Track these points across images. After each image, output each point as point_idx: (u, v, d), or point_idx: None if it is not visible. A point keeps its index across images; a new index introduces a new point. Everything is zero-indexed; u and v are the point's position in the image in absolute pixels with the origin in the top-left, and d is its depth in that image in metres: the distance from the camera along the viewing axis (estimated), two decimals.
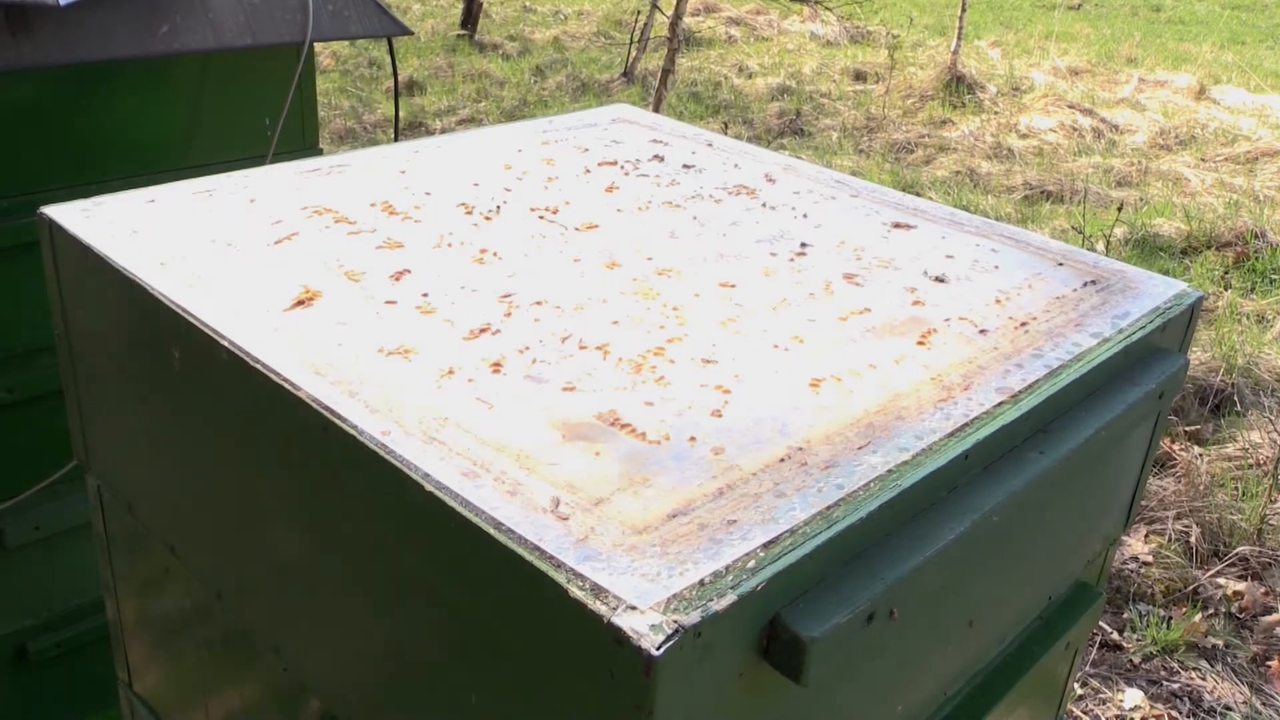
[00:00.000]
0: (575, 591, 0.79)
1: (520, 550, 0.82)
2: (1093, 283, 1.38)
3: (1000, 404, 1.07)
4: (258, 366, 1.05)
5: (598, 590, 0.79)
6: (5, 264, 1.86)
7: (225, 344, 1.09)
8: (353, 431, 0.96)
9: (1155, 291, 1.34)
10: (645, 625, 0.76)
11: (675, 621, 0.76)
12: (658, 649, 0.74)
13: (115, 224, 1.33)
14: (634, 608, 0.77)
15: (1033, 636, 1.29)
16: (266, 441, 1.09)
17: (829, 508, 0.89)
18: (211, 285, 1.21)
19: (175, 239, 1.34)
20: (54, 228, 1.33)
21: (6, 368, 1.96)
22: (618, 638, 0.76)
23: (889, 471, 0.95)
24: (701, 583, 0.81)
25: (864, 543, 0.90)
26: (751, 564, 0.83)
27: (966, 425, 1.03)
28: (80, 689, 2.20)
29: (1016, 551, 1.15)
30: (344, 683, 1.08)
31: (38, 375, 1.96)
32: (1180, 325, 1.32)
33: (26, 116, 1.91)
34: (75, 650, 2.15)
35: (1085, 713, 3.09)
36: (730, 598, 0.79)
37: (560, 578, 0.80)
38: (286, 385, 1.02)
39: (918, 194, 1.66)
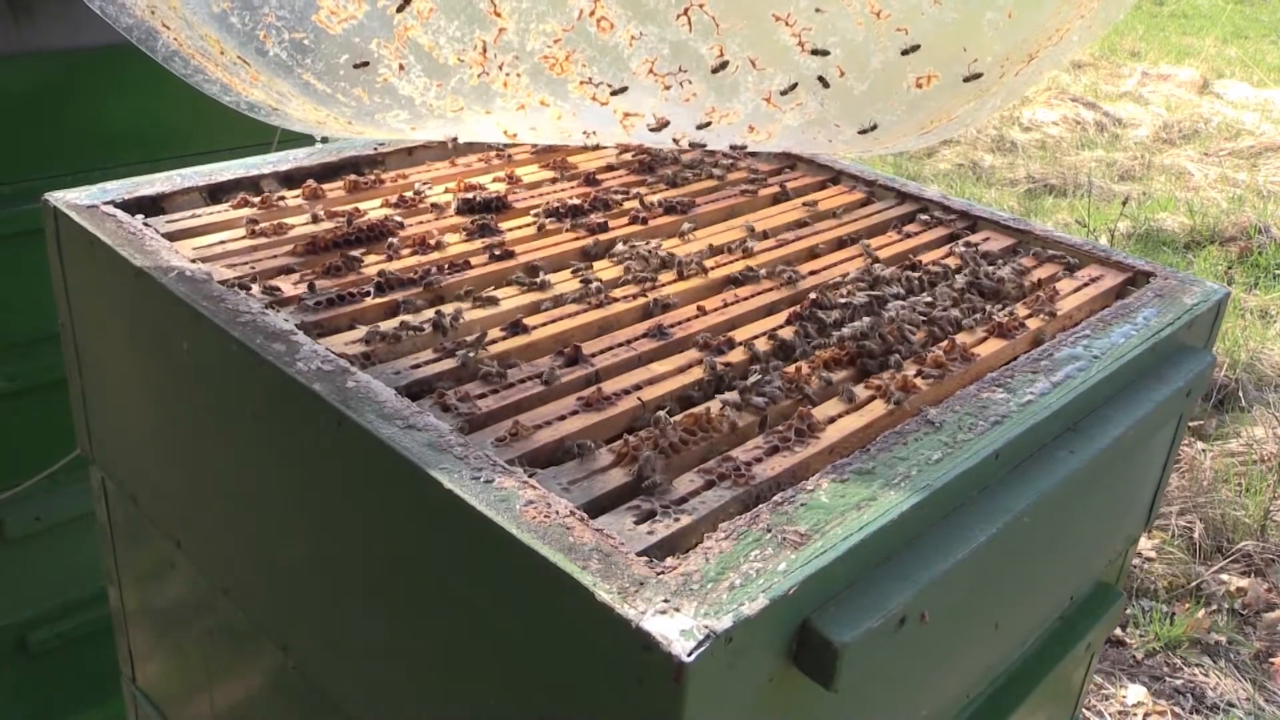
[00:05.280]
0: (602, 595, 0.76)
1: (545, 550, 0.80)
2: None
3: (1029, 402, 1.05)
4: (270, 359, 1.03)
5: (625, 593, 0.77)
6: (7, 251, 1.83)
7: (236, 336, 1.06)
8: (368, 427, 0.93)
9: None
10: (675, 630, 0.74)
11: (706, 627, 0.74)
12: (689, 655, 0.72)
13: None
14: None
15: (1054, 637, 1.27)
16: (278, 437, 1.07)
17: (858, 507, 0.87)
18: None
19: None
20: (58, 215, 1.30)
21: (7, 356, 1.93)
22: (647, 643, 0.73)
23: (919, 471, 0.93)
24: (732, 586, 0.78)
25: (894, 545, 0.88)
26: (782, 566, 0.81)
27: (997, 423, 1.01)
28: (80, 681, 2.18)
29: (1043, 552, 1.13)
30: (358, 683, 1.06)
31: (39, 364, 1.92)
32: (1206, 322, 1.30)
33: (29, 102, 1.87)
34: (75, 642, 2.13)
35: (1088, 708, 3.08)
36: (761, 601, 0.77)
37: (587, 580, 0.77)
38: (300, 379, 1.00)
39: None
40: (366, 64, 1.22)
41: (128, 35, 1.19)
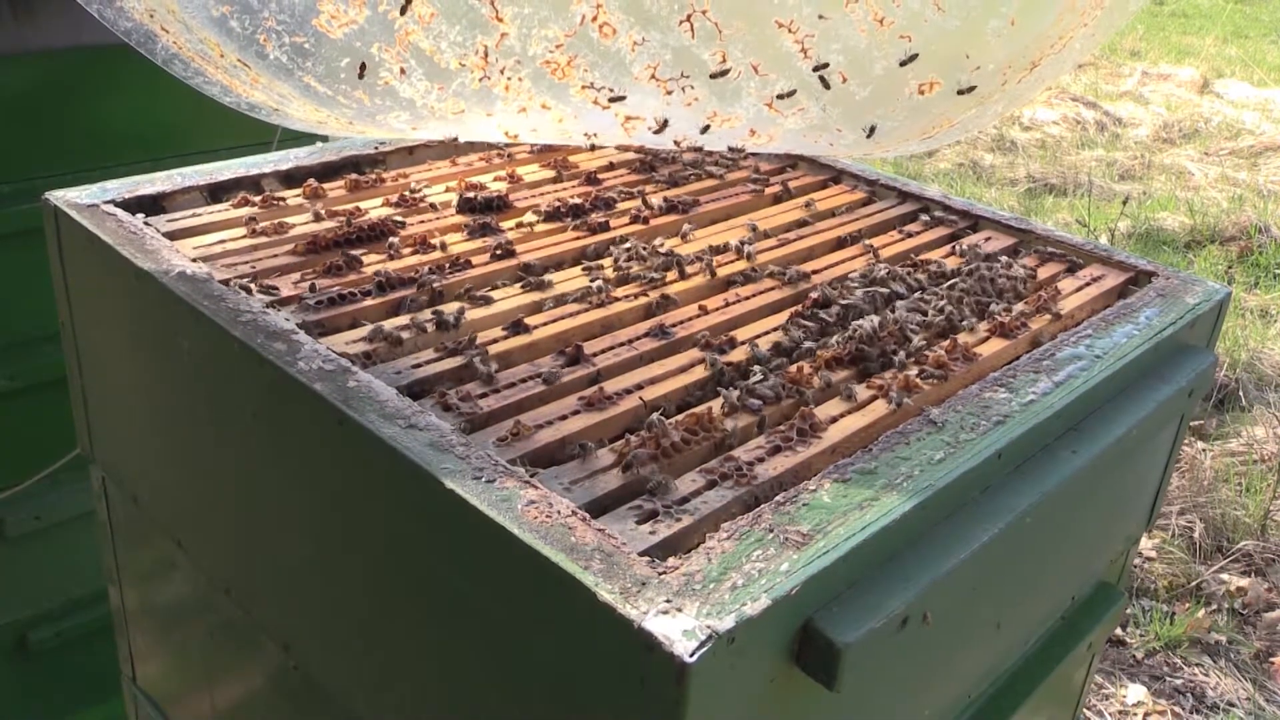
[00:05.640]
0: (604, 595, 0.76)
1: (546, 550, 0.80)
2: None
3: (1031, 401, 1.05)
4: (271, 358, 1.02)
5: (627, 593, 0.77)
6: (8, 250, 1.83)
7: (237, 335, 1.06)
8: (369, 427, 0.93)
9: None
10: (678, 630, 0.74)
11: (708, 627, 0.74)
12: (691, 655, 0.72)
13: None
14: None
15: (1055, 638, 1.27)
16: (279, 436, 1.07)
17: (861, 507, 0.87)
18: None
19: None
20: (59, 214, 1.30)
21: (8, 355, 1.93)
22: (649, 643, 0.73)
23: (922, 471, 0.93)
24: (734, 586, 0.78)
25: (897, 545, 0.88)
26: (785, 566, 0.80)
27: (999, 423, 1.01)
28: (80, 680, 2.18)
29: (1045, 552, 1.13)
30: (359, 682, 1.06)
31: (39, 363, 1.92)
32: (1208, 322, 1.30)
33: (28, 101, 1.87)
34: (75, 641, 2.13)
35: (1088, 708, 3.08)
36: (764, 602, 0.77)
37: (589, 580, 0.77)
38: (301, 379, 0.99)
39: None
40: (365, 66, 1.23)
41: (126, 39, 1.19)
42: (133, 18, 1.18)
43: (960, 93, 1.30)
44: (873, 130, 1.35)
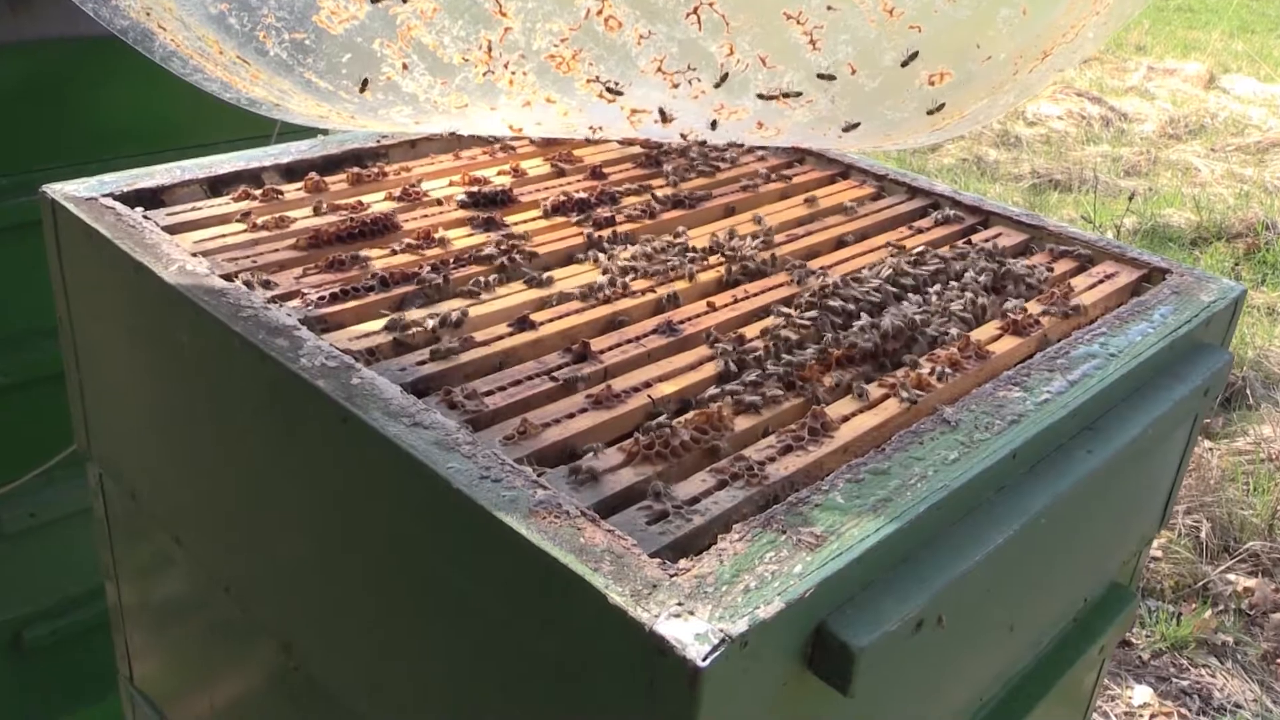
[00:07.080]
0: (615, 597, 0.74)
1: (556, 552, 0.78)
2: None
3: (1046, 400, 1.03)
4: (273, 354, 1.01)
5: (639, 596, 0.75)
6: (5, 244, 1.81)
7: (238, 331, 1.04)
8: (373, 425, 0.91)
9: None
10: (690, 634, 0.72)
11: (721, 630, 0.72)
12: (704, 660, 0.70)
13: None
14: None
15: (1067, 640, 1.25)
16: (281, 434, 1.05)
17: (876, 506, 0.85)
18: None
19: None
20: (57, 208, 1.28)
21: (3, 350, 1.91)
22: (660, 647, 0.72)
23: (936, 472, 0.91)
24: (747, 589, 0.76)
25: (911, 546, 0.86)
26: (798, 569, 0.79)
27: (1014, 422, 0.99)
28: (77, 678, 2.16)
29: (1060, 553, 1.11)
30: (361, 683, 1.04)
31: (36, 358, 1.91)
32: (1224, 320, 1.28)
33: (26, 93, 1.85)
34: (72, 639, 2.11)
35: (1094, 709, 3.06)
36: (777, 605, 0.75)
37: (599, 582, 0.76)
38: (304, 376, 0.98)
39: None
40: (367, 82, 1.21)
41: (123, 37, 1.17)
42: (129, 16, 1.16)
43: (930, 112, 1.29)
44: (856, 125, 1.33)
